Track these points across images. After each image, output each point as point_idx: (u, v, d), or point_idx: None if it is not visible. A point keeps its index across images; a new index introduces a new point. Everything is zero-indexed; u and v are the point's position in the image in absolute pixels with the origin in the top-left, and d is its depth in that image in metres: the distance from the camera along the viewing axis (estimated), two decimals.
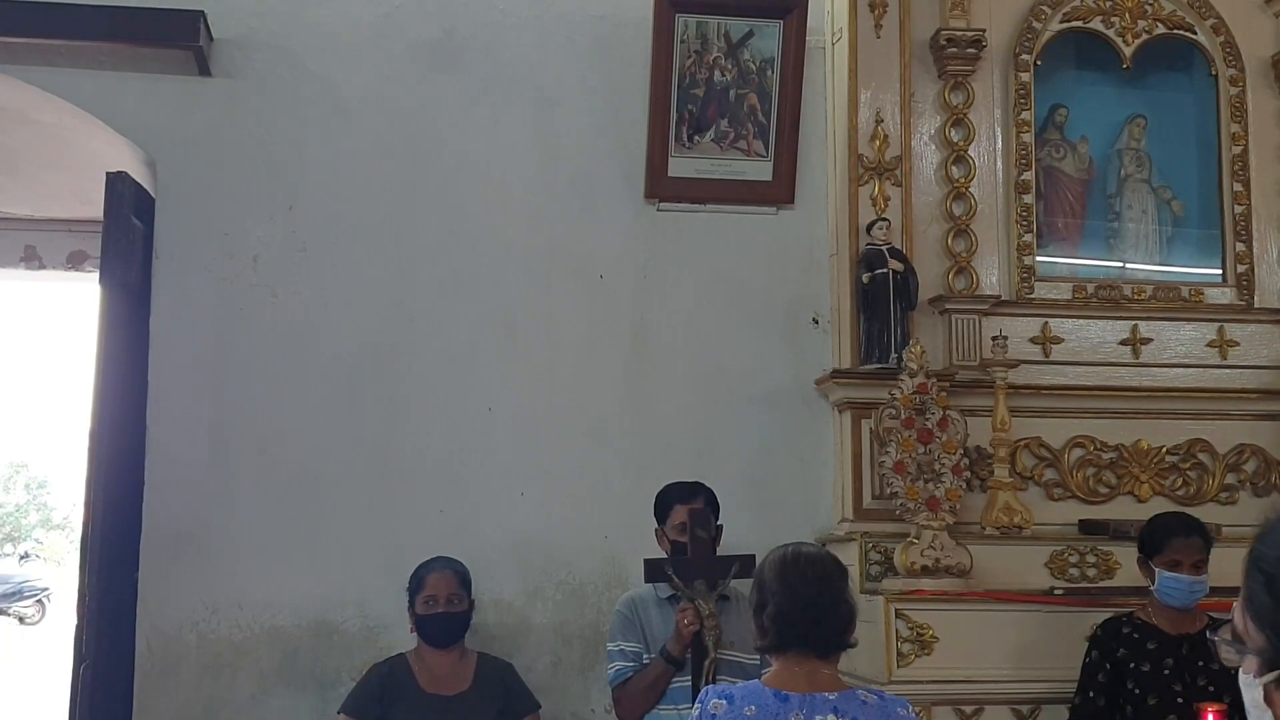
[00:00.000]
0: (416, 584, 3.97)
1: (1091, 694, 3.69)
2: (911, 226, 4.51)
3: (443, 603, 3.92)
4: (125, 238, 4.26)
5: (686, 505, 3.85)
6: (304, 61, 4.53)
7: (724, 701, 2.49)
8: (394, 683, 3.87)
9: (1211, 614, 3.64)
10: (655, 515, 3.99)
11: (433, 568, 3.99)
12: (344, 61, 4.55)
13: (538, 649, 4.39)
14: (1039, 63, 4.69)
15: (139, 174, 4.52)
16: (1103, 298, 4.64)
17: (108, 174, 4.27)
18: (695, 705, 2.56)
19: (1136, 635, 3.67)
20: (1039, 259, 4.63)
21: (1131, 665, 3.62)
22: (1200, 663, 3.56)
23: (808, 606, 2.51)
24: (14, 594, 21.91)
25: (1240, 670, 1.14)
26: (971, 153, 4.62)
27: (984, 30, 4.58)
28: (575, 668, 4.40)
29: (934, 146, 4.64)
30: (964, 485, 4.15)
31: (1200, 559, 3.63)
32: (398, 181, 4.53)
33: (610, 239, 4.62)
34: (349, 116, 4.54)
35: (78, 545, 4.56)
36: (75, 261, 5.77)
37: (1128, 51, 4.74)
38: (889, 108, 4.54)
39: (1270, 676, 1.12)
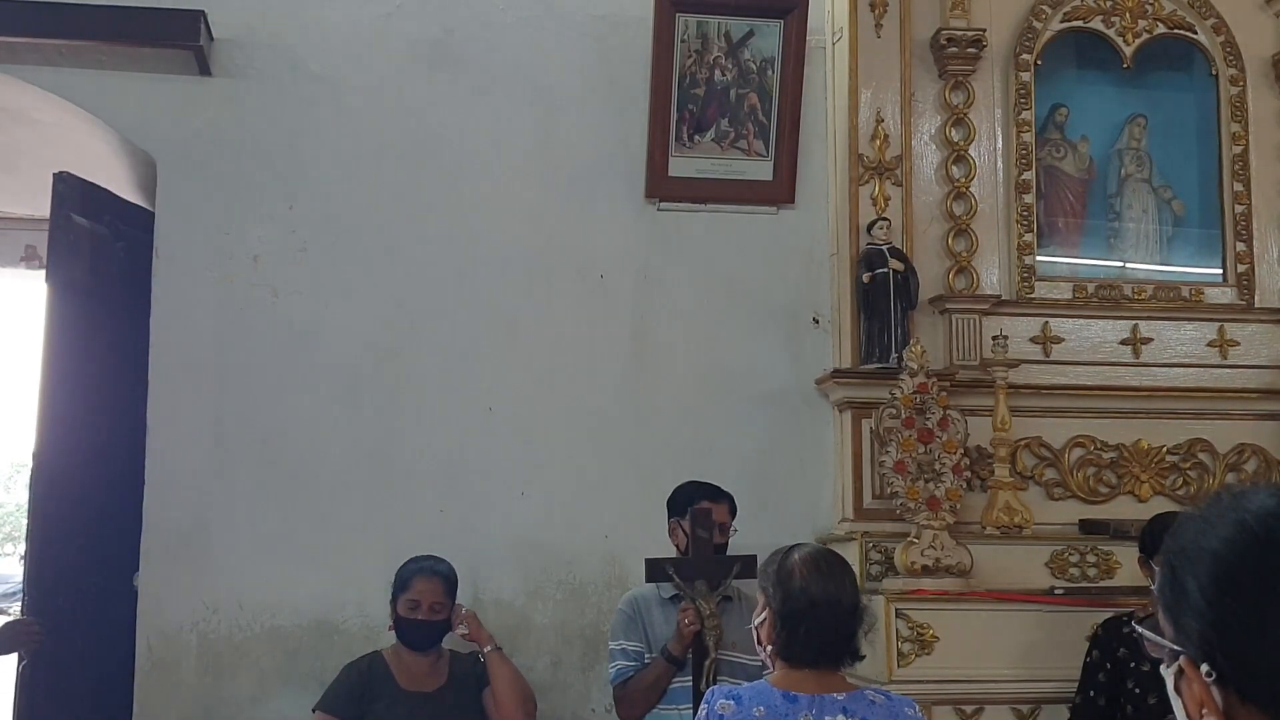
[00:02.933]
0: (401, 584, 3.92)
1: (1092, 693, 3.69)
2: (912, 226, 4.51)
3: (425, 610, 3.88)
4: (68, 237, 4.25)
5: (710, 503, 3.85)
6: (304, 61, 4.53)
7: (732, 702, 2.46)
8: (373, 680, 3.86)
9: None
10: (671, 509, 3.98)
11: (421, 569, 3.93)
12: (344, 61, 4.55)
13: (538, 649, 4.38)
14: (1039, 62, 4.69)
15: (139, 174, 4.52)
16: (1103, 297, 4.64)
17: (53, 174, 4.26)
18: (702, 706, 2.54)
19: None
20: (1039, 259, 4.63)
21: (1132, 665, 3.61)
22: None
23: (853, 612, 2.49)
24: (14, 594, 21.92)
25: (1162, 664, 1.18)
26: (972, 152, 4.62)
27: (984, 30, 4.58)
28: (575, 667, 4.40)
29: (934, 146, 4.64)
30: (964, 485, 4.15)
31: None
32: (398, 181, 4.53)
33: (610, 239, 4.62)
34: (349, 116, 4.53)
35: None
36: None
37: (1128, 51, 4.74)
38: (889, 107, 4.54)
39: (1175, 666, 1.15)
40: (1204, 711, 1.10)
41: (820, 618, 2.47)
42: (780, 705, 2.44)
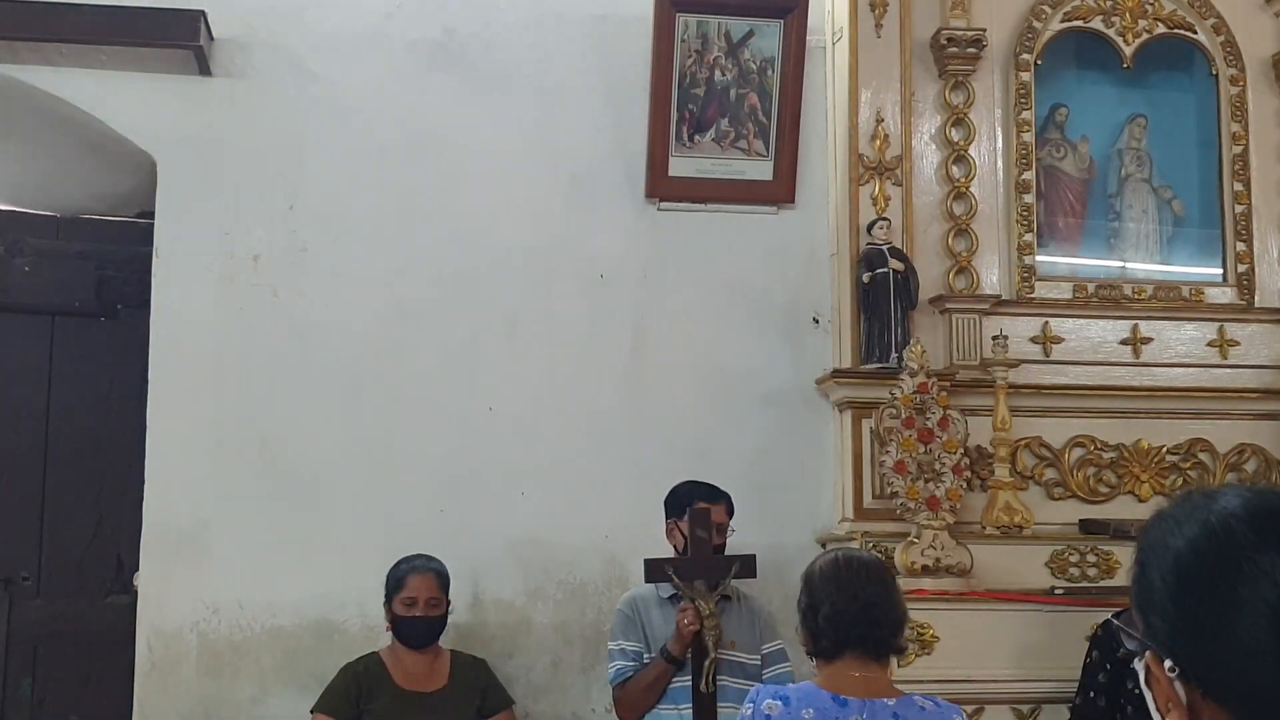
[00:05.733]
0: (395, 583, 3.95)
1: (1092, 694, 3.69)
2: (912, 226, 4.51)
3: (422, 606, 3.91)
4: None
5: (707, 504, 3.85)
6: (304, 61, 4.52)
7: (779, 703, 2.45)
8: (370, 681, 3.87)
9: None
10: (669, 510, 3.98)
11: (414, 567, 3.96)
12: (344, 61, 4.55)
13: (538, 649, 4.38)
14: (1039, 62, 4.69)
15: (139, 173, 4.52)
16: (1103, 297, 4.64)
17: None
18: (746, 704, 2.53)
19: None
20: (1039, 259, 4.63)
21: (1132, 665, 3.60)
22: None
23: (866, 608, 2.48)
24: None
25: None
26: (972, 152, 4.62)
27: (984, 30, 4.57)
28: (576, 667, 4.40)
29: (934, 146, 4.64)
30: (964, 485, 4.15)
31: None
32: (398, 181, 4.53)
33: (610, 239, 4.62)
34: (349, 116, 4.53)
35: None
36: None
37: (1128, 51, 4.74)
38: (889, 107, 4.53)
39: (1145, 659, 1.17)
40: (1170, 706, 1.12)
41: (836, 605, 2.48)
42: (830, 709, 2.42)
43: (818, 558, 2.66)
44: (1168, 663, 1.11)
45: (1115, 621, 1.22)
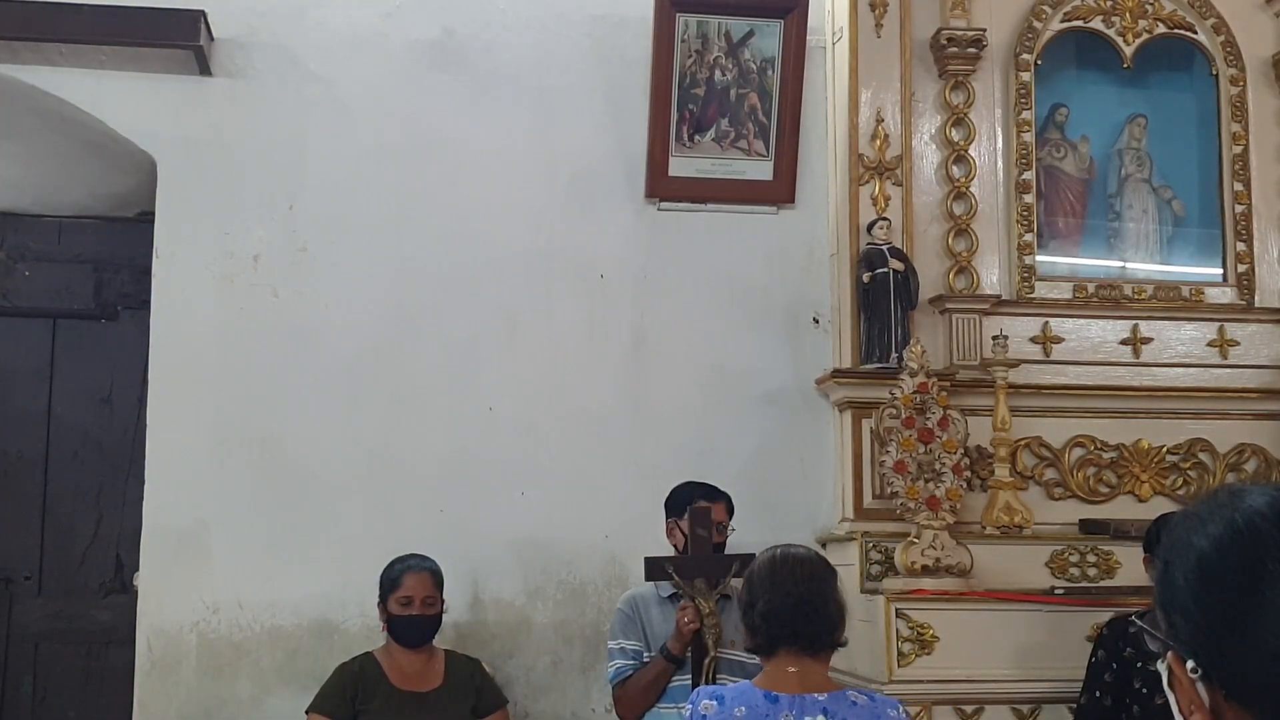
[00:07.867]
0: (391, 582, 3.94)
1: (1098, 694, 3.68)
2: (912, 226, 4.51)
3: (418, 605, 3.91)
4: None
5: (707, 503, 3.85)
6: (304, 61, 4.52)
7: (714, 702, 2.51)
8: (366, 681, 3.87)
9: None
10: (669, 510, 3.99)
11: (409, 566, 3.96)
12: (344, 61, 4.55)
13: (538, 648, 4.39)
14: (1039, 62, 4.69)
15: (139, 173, 4.53)
16: (1103, 297, 4.64)
17: None
18: (687, 705, 2.59)
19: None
20: (1039, 259, 4.63)
21: (1139, 665, 3.59)
22: None
23: (798, 604, 2.53)
24: None
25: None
26: (972, 152, 4.62)
27: (984, 30, 4.57)
28: (576, 667, 4.40)
29: (934, 146, 4.64)
30: (964, 485, 4.14)
31: None
32: (398, 181, 4.53)
33: (610, 239, 4.62)
34: (349, 116, 4.53)
35: None
36: None
37: (1128, 51, 4.74)
38: (889, 107, 4.53)
39: (1168, 660, 1.15)
40: (1193, 708, 1.10)
41: (771, 601, 2.54)
42: (761, 705, 2.48)
43: (759, 555, 2.69)
44: (1190, 663, 1.09)
45: (1138, 621, 1.20)
